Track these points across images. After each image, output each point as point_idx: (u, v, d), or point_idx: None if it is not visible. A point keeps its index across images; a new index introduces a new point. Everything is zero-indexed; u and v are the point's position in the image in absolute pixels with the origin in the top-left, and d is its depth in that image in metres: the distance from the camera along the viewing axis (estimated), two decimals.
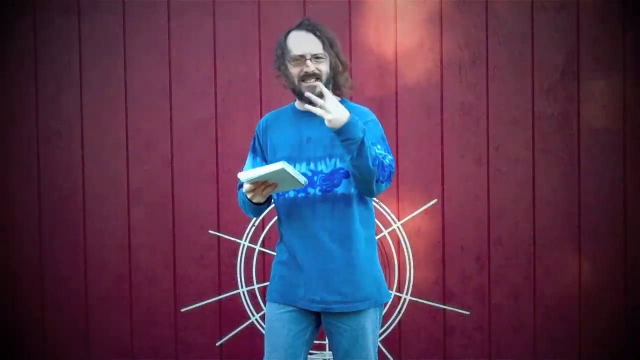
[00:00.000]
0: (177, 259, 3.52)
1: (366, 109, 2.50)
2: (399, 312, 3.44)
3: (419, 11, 3.49)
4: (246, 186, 2.31)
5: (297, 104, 2.51)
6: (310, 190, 2.40)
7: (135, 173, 3.52)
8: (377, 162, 2.27)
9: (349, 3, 3.48)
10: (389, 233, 3.43)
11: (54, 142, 3.52)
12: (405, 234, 3.44)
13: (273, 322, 2.45)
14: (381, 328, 3.43)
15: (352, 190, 2.41)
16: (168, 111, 3.51)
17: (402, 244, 3.44)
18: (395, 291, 3.44)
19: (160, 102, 3.51)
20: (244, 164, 2.54)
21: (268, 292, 2.49)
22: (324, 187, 2.40)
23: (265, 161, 2.51)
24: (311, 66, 2.38)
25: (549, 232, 3.50)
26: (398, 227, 3.44)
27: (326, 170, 2.41)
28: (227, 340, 3.50)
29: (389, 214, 3.44)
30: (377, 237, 3.43)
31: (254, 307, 3.43)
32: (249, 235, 3.43)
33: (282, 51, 2.47)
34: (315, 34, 2.41)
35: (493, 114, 3.50)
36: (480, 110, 3.49)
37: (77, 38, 3.50)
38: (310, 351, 3.44)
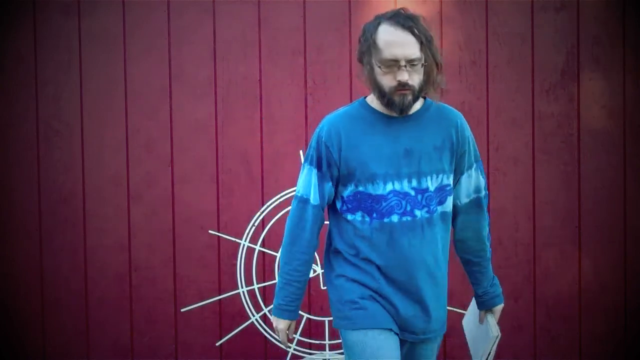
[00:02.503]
0: (177, 259, 3.52)
1: (458, 115, 2.24)
2: None
3: (419, 11, 3.47)
4: None
5: (377, 104, 2.14)
6: (417, 213, 2.11)
7: (135, 173, 3.52)
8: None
9: (349, 3, 3.48)
10: None
11: (54, 142, 3.52)
12: None
13: (379, 350, 2.10)
14: None
15: (450, 207, 2.19)
16: (168, 111, 3.51)
17: None
18: None
19: (160, 102, 3.51)
20: (302, 180, 2.18)
21: (355, 319, 2.13)
22: (432, 207, 2.12)
23: (337, 183, 2.15)
24: (405, 75, 2.02)
25: (549, 232, 3.50)
26: None
27: (432, 188, 2.12)
28: (227, 340, 3.50)
29: None
30: None
31: (254, 307, 3.43)
32: (249, 235, 3.43)
33: (368, 45, 2.07)
34: (412, 33, 2.02)
35: (493, 114, 3.50)
36: (480, 110, 3.50)
37: (77, 38, 3.50)
38: (310, 351, 3.44)
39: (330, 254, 2.23)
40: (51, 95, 3.52)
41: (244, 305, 3.43)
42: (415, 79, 2.04)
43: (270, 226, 3.43)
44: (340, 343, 3.41)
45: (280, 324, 2.20)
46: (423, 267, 2.12)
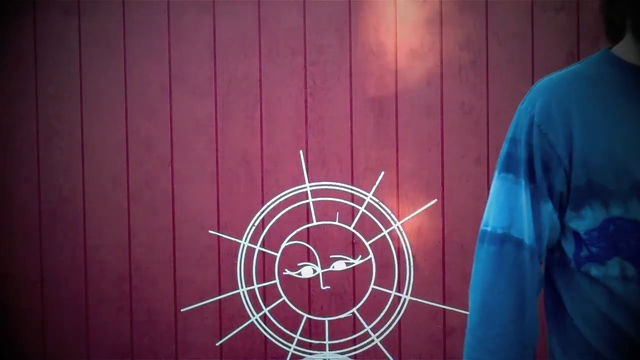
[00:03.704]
0: (177, 259, 3.52)
1: None
2: (399, 312, 3.44)
3: (419, 11, 3.49)
4: None
5: (635, 56, 1.19)
6: None
7: (135, 173, 3.52)
8: None
9: (349, 3, 3.49)
10: (389, 233, 3.44)
11: (54, 142, 3.52)
12: (405, 234, 3.45)
13: None
14: (381, 328, 3.44)
15: None
16: (168, 111, 3.51)
17: (402, 244, 3.44)
18: (395, 291, 3.44)
19: (160, 102, 3.51)
20: (496, 202, 1.26)
21: None
22: None
23: (561, 206, 1.20)
24: None
25: None
26: (398, 227, 3.44)
27: None
28: (227, 340, 3.50)
29: (388, 214, 3.44)
30: (377, 238, 3.45)
31: (254, 307, 3.43)
32: (249, 235, 3.44)
33: None
34: None
35: (493, 114, 3.50)
36: (480, 110, 3.50)
37: (77, 38, 3.51)
38: (310, 351, 3.45)
39: (552, 347, 1.30)
40: (51, 95, 3.52)
41: (244, 305, 3.43)
42: None
43: (270, 226, 3.43)
44: (340, 343, 3.42)
45: None
46: None
